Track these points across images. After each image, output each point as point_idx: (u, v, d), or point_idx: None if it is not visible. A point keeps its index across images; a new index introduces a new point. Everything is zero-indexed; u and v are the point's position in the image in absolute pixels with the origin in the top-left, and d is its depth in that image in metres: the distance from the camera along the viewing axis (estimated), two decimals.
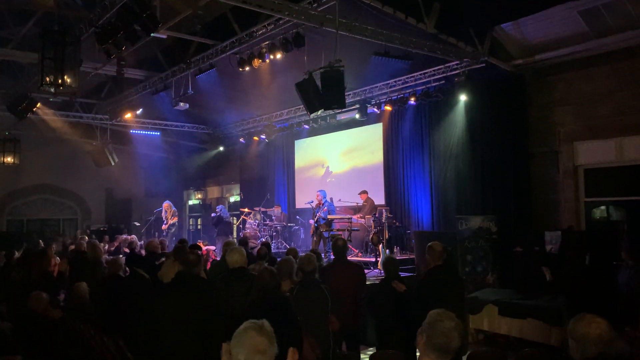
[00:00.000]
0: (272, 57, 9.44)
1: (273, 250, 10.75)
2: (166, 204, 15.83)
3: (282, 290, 4.67)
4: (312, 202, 12.67)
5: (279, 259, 5.82)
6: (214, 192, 20.18)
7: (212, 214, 15.73)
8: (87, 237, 12.43)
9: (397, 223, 12.20)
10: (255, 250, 8.00)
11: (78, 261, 7.87)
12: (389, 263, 5.80)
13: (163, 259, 7.79)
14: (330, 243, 11.04)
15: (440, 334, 2.56)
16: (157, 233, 15.49)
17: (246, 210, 14.95)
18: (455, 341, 2.57)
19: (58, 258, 8.72)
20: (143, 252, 9.50)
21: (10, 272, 7.34)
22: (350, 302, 5.50)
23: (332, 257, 6.64)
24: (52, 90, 8.09)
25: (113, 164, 16.12)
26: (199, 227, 20.63)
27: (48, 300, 5.38)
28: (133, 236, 13.32)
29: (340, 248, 5.98)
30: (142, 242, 12.34)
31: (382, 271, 5.94)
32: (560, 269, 7.78)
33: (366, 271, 9.38)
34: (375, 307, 5.56)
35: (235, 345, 2.42)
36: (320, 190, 12.89)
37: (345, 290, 5.45)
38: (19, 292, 5.53)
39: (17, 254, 8.83)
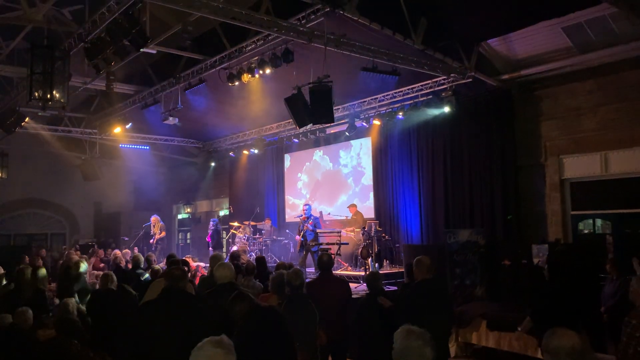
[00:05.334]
0: (261, 72, 9.49)
1: None
2: (154, 217, 15.74)
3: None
4: (301, 215, 12.68)
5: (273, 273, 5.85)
6: (203, 205, 20.11)
7: (211, 227, 15.51)
8: (74, 252, 12.36)
9: (387, 236, 12.23)
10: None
11: (66, 276, 7.82)
12: (372, 278, 5.83)
13: (147, 275, 7.79)
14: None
15: (415, 355, 2.63)
16: (145, 248, 15.40)
17: (236, 224, 14.90)
18: (428, 354, 2.65)
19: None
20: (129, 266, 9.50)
21: None
22: (336, 317, 5.51)
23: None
24: (41, 105, 8.06)
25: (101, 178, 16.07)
26: (188, 241, 20.51)
27: (32, 317, 5.35)
28: (127, 250, 13.20)
29: (325, 263, 6.00)
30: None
31: (367, 286, 5.96)
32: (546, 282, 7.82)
33: (355, 285, 9.39)
34: (360, 321, 5.57)
35: None
36: (305, 205, 12.93)
37: (331, 304, 5.47)
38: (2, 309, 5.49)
39: None
